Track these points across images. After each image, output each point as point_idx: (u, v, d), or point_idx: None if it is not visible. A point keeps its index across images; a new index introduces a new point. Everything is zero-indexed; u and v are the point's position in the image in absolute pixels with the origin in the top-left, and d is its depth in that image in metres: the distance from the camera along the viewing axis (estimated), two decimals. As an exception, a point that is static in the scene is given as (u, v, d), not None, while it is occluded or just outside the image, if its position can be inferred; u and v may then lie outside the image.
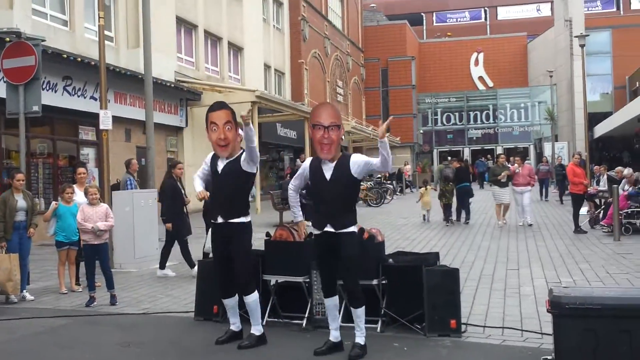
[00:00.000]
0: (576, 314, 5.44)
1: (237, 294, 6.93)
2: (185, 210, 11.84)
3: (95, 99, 17.80)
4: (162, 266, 11.53)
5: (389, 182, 34.20)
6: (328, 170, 6.40)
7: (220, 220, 6.79)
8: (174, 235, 11.46)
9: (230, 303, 6.96)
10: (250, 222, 6.89)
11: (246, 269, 6.83)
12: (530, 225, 18.01)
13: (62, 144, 18.64)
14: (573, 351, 5.43)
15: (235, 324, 6.99)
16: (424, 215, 20.86)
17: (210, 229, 7.07)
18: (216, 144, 6.85)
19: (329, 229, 6.34)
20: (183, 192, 11.72)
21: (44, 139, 18.00)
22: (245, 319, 7.11)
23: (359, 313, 6.34)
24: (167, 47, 23.83)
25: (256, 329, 6.84)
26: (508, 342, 6.80)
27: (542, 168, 29.81)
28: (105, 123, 12.74)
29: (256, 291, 6.92)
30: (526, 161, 21.43)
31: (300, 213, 7.03)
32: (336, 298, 6.53)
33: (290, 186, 6.98)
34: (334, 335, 6.50)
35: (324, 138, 6.35)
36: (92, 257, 9.31)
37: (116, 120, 16.25)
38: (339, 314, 7.27)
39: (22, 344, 7.18)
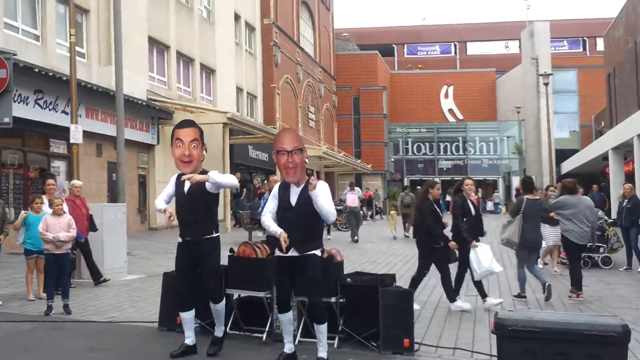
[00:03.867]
0: (517, 335, 5.76)
1: (194, 309, 7.21)
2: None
3: (67, 113, 17.99)
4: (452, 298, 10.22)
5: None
6: (294, 195, 6.68)
7: (188, 238, 7.02)
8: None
9: (188, 317, 7.19)
10: (218, 236, 7.16)
11: (218, 280, 7.17)
12: None
13: (33, 156, 18.76)
14: (514, 370, 5.78)
15: (189, 338, 7.20)
16: (392, 231, 24.99)
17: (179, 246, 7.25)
18: (179, 159, 7.07)
19: (292, 253, 6.61)
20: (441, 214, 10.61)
21: (15, 150, 18.12)
22: (206, 331, 7.47)
23: (322, 329, 6.63)
24: (139, 65, 24.10)
25: (220, 330, 7.19)
26: (457, 361, 7.15)
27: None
28: (76, 137, 12.97)
29: (224, 299, 7.27)
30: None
31: (279, 229, 6.70)
32: (290, 313, 6.85)
33: (265, 210, 6.96)
34: (288, 347, 6.80)
35: (289, 162, 6.64)
36: (53, 266, 9.46)
37: (87, 135, 16.47)
38: (299, 329, 7.65)
39: (-13, 347, 7.37)
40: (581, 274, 11.50)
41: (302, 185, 6.68)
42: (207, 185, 6.92)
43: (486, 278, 10.87)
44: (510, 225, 11.39)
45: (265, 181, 27.52)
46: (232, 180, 7.10)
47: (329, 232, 23.76)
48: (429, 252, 10.23)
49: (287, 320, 6.80)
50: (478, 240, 10.37)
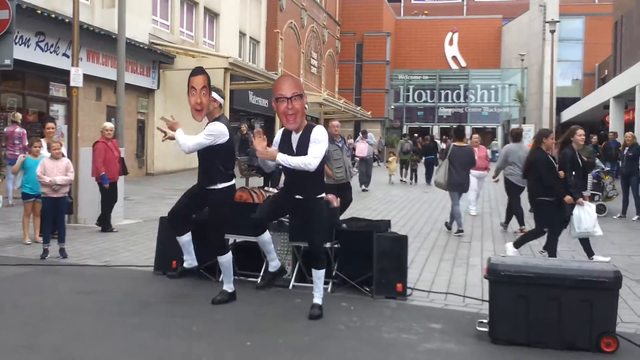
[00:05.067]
0: (510, 280, 5.82)
1: (190, 232, 7.18)
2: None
3: (68, 56, 17.87)
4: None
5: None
6: (294, 142, 6.64)
7: (200, 186, 7.05)
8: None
9: (182, 240, 7.17)
10: (225, 187, 7.00)
11: (220, 233, 7.11)
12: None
13: (32, 99, 18.69)
14: (506, 315, 5.82)
15: (187, 261, 7.24)
16: (390, 177, 26.74)
17: None
18: (193, 108, 7.02)
19: (298, 197, 6.63)
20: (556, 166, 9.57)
21: (14, 93, 18.04)
22: (202, 276, 7.62)
23: (320, 274, 6.66)
24: (142, 9, 23.84)
25: (229, 287, 7.13)
26: (450, 306, 7.22)
27: None
28: (76, 80, 12.86)
29: (230, 252, 7.21)
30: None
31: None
32: (267, 234, 6.87)
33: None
34: (273, 266, 6.95)
35: (288, 109, 6.55)
36: (50, 210, 9.51)
37: (87, 78, 16.37)
38: (293, 274, 7.70)
39: (-16, 289, 7.44)
40: (522, 211, 12.91)
41: (301, 132, 6.63)
42: None
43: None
44: (439, 169, 13.08)
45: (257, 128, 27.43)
46: (189, 141, 6.87)
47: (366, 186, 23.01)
48: (544, 207, 9.38)
49: (266, 240, 6.87)
50: (583, 197, 9.72)
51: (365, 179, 22.56)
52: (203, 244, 7.29)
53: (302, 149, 6.55)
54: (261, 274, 7.86)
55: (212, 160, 6.97)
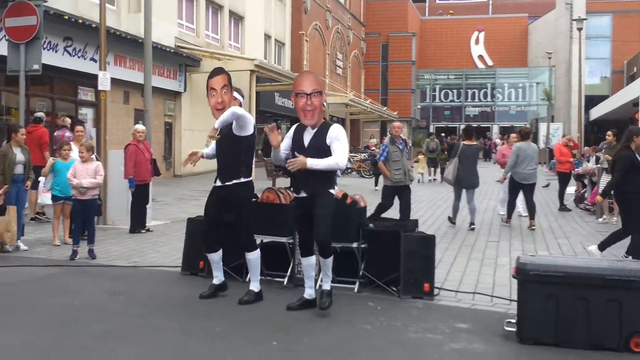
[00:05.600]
0: (539, 280, 5.77)
1: (221, 249, 7.24)
2: None
3: (95, 61, 18.06)
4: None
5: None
6: (307, 136, 6.66)
7: (218, 183, 7.05)
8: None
9: (215, 258, 7.24)
10: (249, 181, 7.05)
11: (248, 227, 7.11)
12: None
13: (61, 103, 18.89)
14: (535, 315, 5.76)
15: (217, 277, 7.28)
16: (420, 176, 26.16)
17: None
18: (214, 108, 7.10)
19: (303, 194, 6.66)
20: None
21: (44, 97, 18.25)
22: (229, 276, 7.63)
23: (328, 262, 6.62)
24: (167, 12, 23.99)
25: (255, 286, 7.11)
26: (477, 306, 7.17)
27: None
28: (104, 84, 13.00)
29: (258, 249, 7.21)
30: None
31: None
32: (313, 258, 6.80)
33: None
34: (309, 293, 6.82)
35: (307, 105, 6.59)
36: (80, 211, 9.62)
37: (115, 82, 16.49)
38: (320, 275, 7.68)
39: (15, 290, 7.52)
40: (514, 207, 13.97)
41: (316, 128, 6.65)
42: (234, 127, 6.93)
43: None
44: (449, 166, 13.56)
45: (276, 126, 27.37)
46: (227, 113, 6.85)
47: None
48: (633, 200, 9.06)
49: (309, 264, 6.81)
50: None
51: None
52: (229, 243, 7.32)
53: (315, 145, 6.57)
54: (287, 274, 7.87)
55: (235, 153, 7.01)
